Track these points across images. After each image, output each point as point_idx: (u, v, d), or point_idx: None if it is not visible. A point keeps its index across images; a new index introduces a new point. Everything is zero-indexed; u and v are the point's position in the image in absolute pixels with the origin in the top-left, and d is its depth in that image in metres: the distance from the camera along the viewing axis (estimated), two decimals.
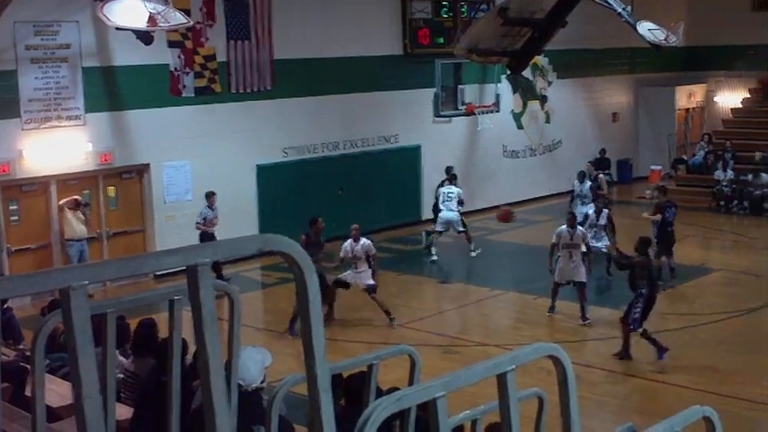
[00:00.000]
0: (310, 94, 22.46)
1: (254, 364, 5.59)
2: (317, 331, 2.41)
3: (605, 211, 18.84)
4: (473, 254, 21.00)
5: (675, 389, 12.83)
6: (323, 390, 2.43)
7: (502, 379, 2.65)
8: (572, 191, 22.26)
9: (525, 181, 28.08)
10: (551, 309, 16.57)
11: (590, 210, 19.33)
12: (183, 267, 2.35)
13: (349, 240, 16.22)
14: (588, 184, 21.62)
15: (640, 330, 13.69)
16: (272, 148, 21.98)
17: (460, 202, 21.14)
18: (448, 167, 23.07)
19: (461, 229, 21.08)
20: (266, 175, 21.86)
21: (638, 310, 13.64)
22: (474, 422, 5.31)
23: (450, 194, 21.16)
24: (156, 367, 6.86)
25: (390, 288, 18.61)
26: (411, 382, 4.82)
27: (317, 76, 22.52)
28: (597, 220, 18.43)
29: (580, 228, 16.79)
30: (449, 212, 20.95)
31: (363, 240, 16.19)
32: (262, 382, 5.90)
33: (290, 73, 21.87)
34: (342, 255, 16.28)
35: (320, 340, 2.42)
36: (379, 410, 2.42)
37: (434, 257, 21.08)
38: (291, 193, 22.08)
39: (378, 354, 4.88)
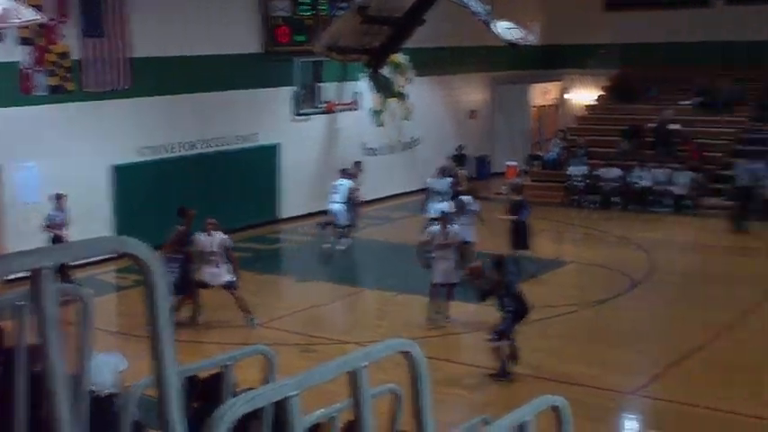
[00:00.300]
0: (168, 92, 22.13)
1: (107, 368, 5.48)
2: (165, 333, 2.38)
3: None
4: (328, 245, 20.83)
5: (532, 380, 13.11)
6: (172, 392, 2.39)
7: (354, 376, 2.67)
8: (426, 188, 22.37)
9: (384, 178, 28.25)
10: (438, 312, 16.05)
11: (446, 205, 19.63)
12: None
13: (203, 234, 15.88)
14: (448, 180, 21.86)
15: (495, 344, 13.36)
16: (129, 147, 21.54)
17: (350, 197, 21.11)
18: (356, 162, 23.37)
19: (344, 223, 21.06)
20: (122, 175, 21.41)
21: (506, 323, 13.33)
22: (331, 420, 5.33)
23: (338, 187, 21.15)
24: (2, 375, 6.62)
25: (249, 287, 18.46)
26: (267, 382, 4.81)
27: (174, 75, 22.19)
28: (471, 207, 18.61)
29: (455, 226, 16.59)
30: (333, 204, 20.92)
31: (218, 234, 15.85)
32: (116, 387, 5.79)
33: (146, 71, 21.47)
34: (198, 248, 15.94)
35: (169, 342, 2.39)
36: (231, 411, 2.41)
37: (342, 247, 20.88)
38: (148, 194, 21.69)
39: (232, 355, 4.85)
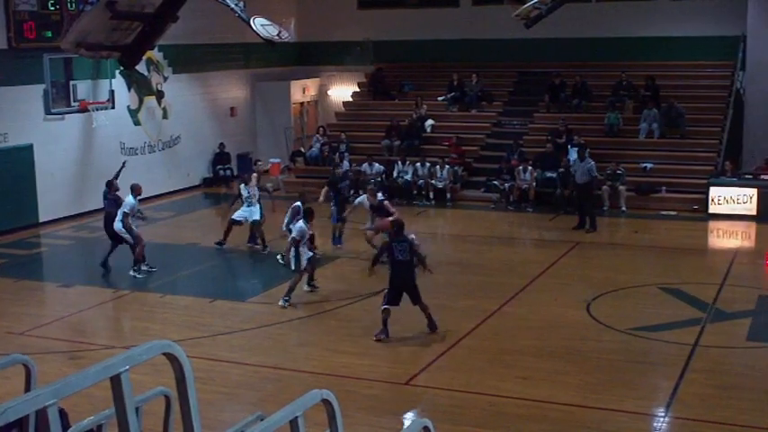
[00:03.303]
0: None
1: None
2: None
3: None
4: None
5: (305, 375, 13.14)
6: None
7: (116, 380, 2.56)
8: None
9: (145, 178, 27.34)
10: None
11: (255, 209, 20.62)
12: None
13: None
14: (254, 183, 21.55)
15: (382, 306, 14.64)
16: None
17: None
18: None
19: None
20: None
21: (387, 289, 14.85)
22: (100, 427, 5.14)
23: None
24: None
25: (6, 295, 17.70)
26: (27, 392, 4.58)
27: None
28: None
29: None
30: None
31: None
32: None
33: None
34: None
35: None
36: None
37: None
38: None
39: None
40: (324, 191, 22.37)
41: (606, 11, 30.63)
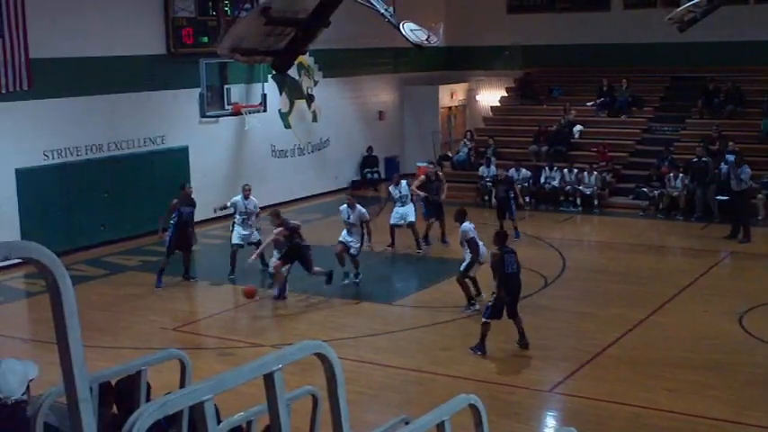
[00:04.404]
0: (71, 94, 21.65)
1: (15, 376, 5.32)
2: (73, 339, 2.31)
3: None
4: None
5: (449, 379, 13.15)
6: (82, 399, 2.33)
7: (269, 378, 2.63)
8: None
9: (294, 180, 28.17)
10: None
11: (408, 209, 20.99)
12: None
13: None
14: (404, 183, 21.88)
15: (483, 320, 14.17)
16: (32, 151, 21.03)
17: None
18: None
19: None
20: (26, 179, 20.91)
21: (491, 301, 14.21)
22: (249, 423, 5.27)
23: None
24: None
25: (159, 292, 18.26)
26: (182, 386, 4.74)
27: (77, 76, 21.74)
28: None
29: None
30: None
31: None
32: (24, 395, 5.63)
33: (48, 73, 20.98)
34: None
35: (78, 348, 2.32)
36: (143, 417, 2.35)
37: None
38: (55, 198, 21.31)
39: (145, 359, 4.76)
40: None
41: (764, 12, 29.63)
